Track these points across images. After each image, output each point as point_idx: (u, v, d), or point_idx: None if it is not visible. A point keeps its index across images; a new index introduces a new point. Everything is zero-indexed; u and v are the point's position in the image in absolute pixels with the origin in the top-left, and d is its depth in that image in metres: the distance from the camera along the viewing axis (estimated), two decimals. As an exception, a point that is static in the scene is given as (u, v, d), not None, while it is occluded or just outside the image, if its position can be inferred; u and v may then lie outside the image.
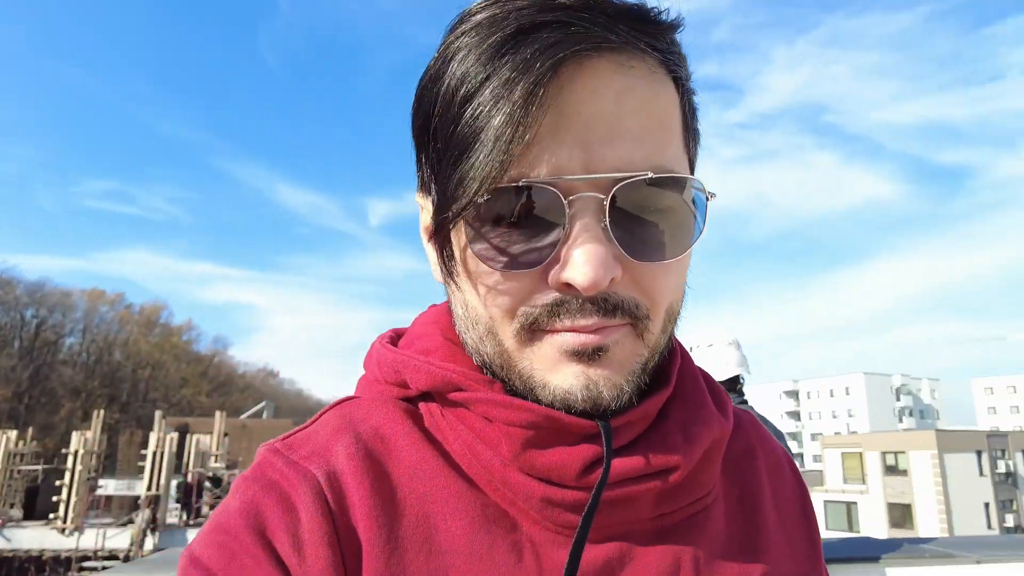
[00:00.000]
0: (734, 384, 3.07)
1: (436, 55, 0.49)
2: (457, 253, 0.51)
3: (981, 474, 38.97)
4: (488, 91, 0.44)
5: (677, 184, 0.48)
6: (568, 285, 0.46)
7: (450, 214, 0.47)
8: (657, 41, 0.49)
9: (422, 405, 0.57)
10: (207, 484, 22.34)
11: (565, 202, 0.45)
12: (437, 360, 0.55)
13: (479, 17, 0.46)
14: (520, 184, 0.45)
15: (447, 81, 0.47)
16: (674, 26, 0.51)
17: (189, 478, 21.66)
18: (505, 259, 0.47)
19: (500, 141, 0.43)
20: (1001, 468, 40.26)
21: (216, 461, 25.36)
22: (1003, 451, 41.28)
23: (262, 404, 46.22)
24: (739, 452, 0.65)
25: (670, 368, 0.58)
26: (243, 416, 42.87)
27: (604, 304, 0.47)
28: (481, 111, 0.44)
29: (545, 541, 0.51)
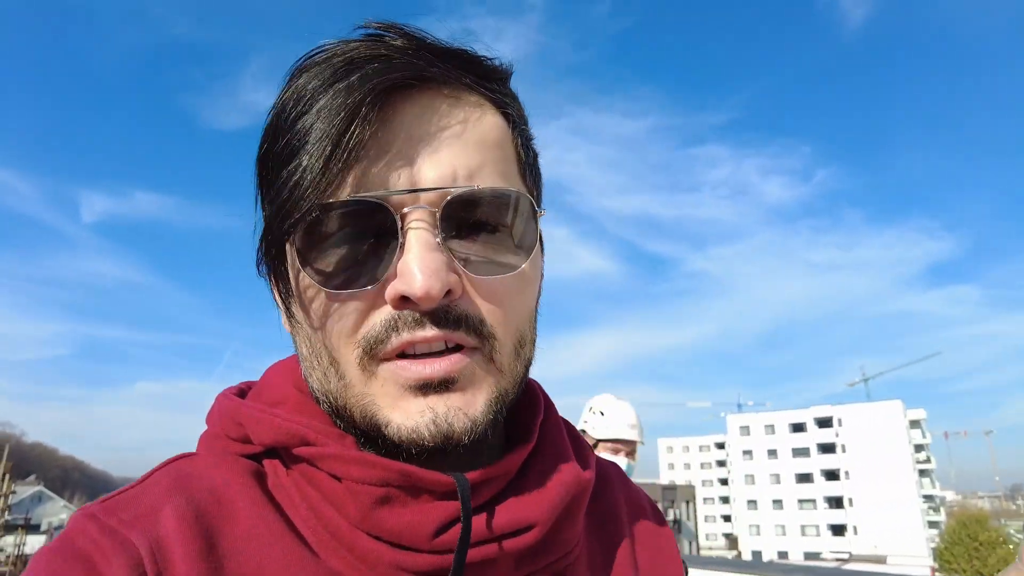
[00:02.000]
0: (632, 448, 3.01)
1: (277, 97, 0.51)
2: (292, 283, 0.50)
3: (656, 520, 46.51)
4: (314, 110, 0.46)
5: (508, 200, 0.49)
6: (404, 299, 0.45)
7: (277, 231, 0.47)
8: (484, 80, 0.52)
9: (267, 463, 0.53)
10: None
11: (397, 216, 0.45)
12: (285, 412, 0.52)
13: (315, 58, 0.50)
14: (349, 199, 0.45)
15: (280, 109, 0.49)
16: (502, 71, 0.55)
17: None
18: (340, 280, 0.46)
19: (322, 152, 0.45)
20: (671, 516, 48.78)
21: None
22: (672, 501, 50.18)
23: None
24: (604, 508, 0.63)
25: (532, 422, 0.57)
26: None
27: (445, 317, 0.46)
28: (306, 125, 0.46)
29: None
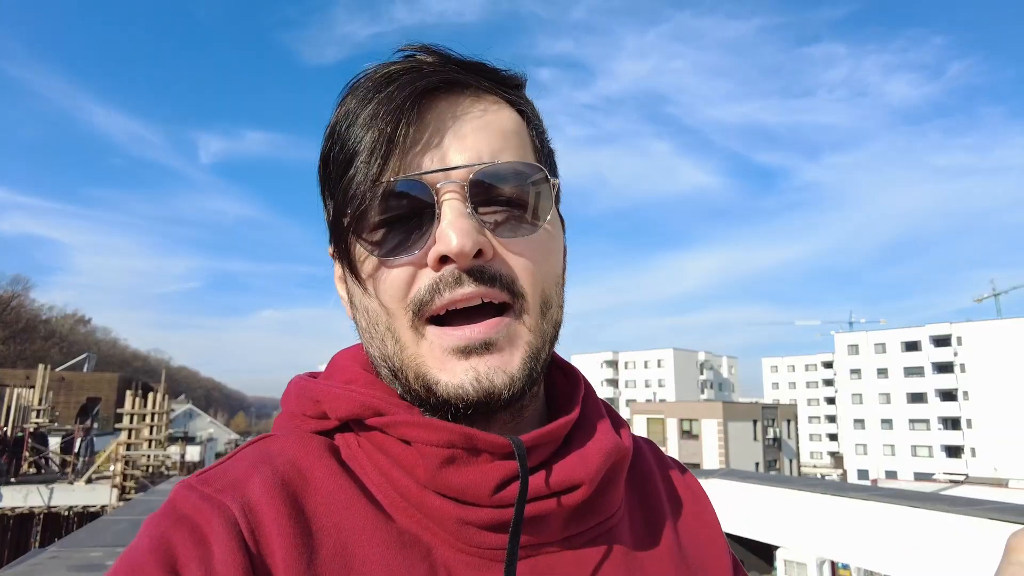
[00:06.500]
0: None
1: (332, 115, 0.59)
2: (356, 263, 0.57)
3: (755, 439, 46.91)
4: (362, 119, 0.55)
5: (526, 173, 0.57)
6: (443, 260, 0.52)
7: (341, 218, 0.56)
8: (500, 85, 0.61)
9: (339, 437, 0.59)
10: (29, 441, 21.36)
11: (433, 191, 0.53)
12: (358, 388, 0.58)
13: (360, 78, 0.59)
14: (393, 180, 0.53)
15: (335, 122, 0.58)
16: (516, 78, 0.63)
17: (10, 433, 20.60)
18: (391, 250, 0.54)
19: (374, 153, 0.53)
20: (770, 434, 48.84)
21: (39, 416, 24.08)
22: (773, 420, 50.14)
23: (83, 356, 43.00)
24: (640, 477, 0.70)
25: (574, 396, 0.64)
26: (60, 368, 39.69)
27: (481, 275, 0.53)
28: (357, 135, 0.55)
29: (459, 564, 0.53)
